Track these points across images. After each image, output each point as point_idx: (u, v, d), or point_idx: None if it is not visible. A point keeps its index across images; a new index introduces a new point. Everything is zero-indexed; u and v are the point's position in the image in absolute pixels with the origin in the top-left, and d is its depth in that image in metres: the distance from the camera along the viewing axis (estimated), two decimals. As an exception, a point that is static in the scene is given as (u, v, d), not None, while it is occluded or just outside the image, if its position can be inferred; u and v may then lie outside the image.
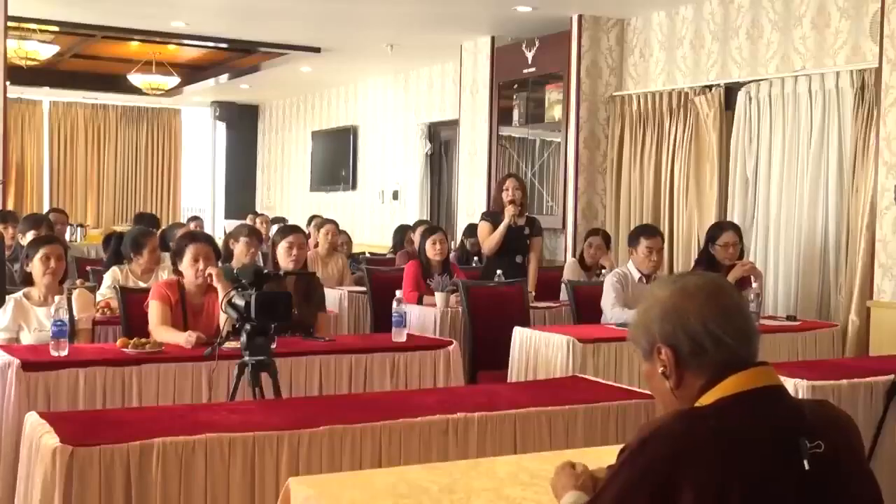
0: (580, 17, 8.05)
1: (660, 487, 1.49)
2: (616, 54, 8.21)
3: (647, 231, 5.83)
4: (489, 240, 6.69)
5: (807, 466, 1.52)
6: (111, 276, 5.63)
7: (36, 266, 4.51)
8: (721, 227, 6.02)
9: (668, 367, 1.63)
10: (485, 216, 6.94)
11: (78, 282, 5.40)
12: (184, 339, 4.18)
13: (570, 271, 6.86)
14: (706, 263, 5.80)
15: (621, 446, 1.63)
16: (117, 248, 6.08)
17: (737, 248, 5.81)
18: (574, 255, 7.61)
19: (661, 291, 1.68)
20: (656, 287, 1.72)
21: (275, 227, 6.59)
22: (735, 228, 5.97)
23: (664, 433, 1.54)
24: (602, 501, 1.58)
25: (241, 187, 15.52)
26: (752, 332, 1.64)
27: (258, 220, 10.69)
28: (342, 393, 4.19)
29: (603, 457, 2.62)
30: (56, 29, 9.51)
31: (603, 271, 6.67)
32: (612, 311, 5.53)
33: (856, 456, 1.64)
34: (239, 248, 6.00)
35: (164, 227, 9.26)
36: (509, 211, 6.61)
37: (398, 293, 4.85)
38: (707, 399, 1.59)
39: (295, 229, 5.38)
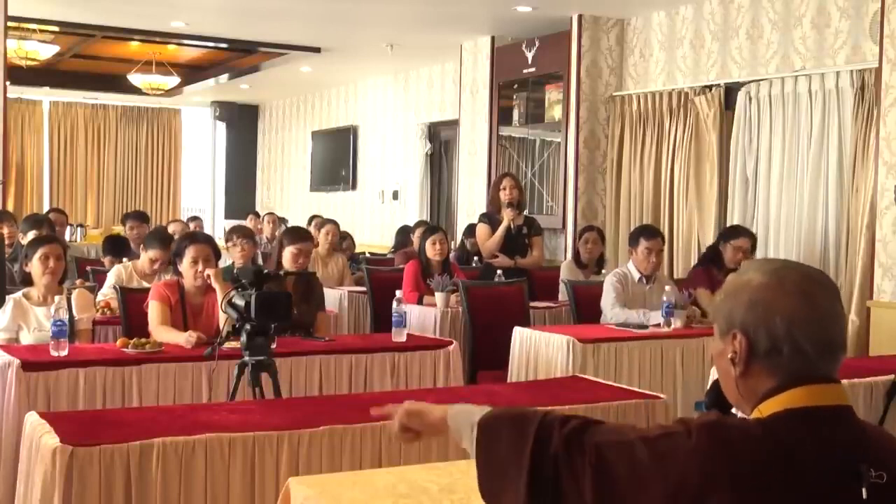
0: (580, 17, 8.04)
1: (697, 488, 1.40)
2: (616, 54, 8.21)
3: (647, 232, 5.85)
4: (489, 242, 6.68)
5: (865, 495, 1.42)
6: (115, 274, 5.61)
7: (35, 266, 4.51)
8: (738, 231, 6.06)
9: (738, 355, 1.54)
10: (482, 218, 6.93)
11: (77, 282, 5.40)
12: (184, 339, 4.18)
13: (567, 271, 6.85)
14: (710, 260, 5.84)
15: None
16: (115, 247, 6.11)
17: (747, 255, 5.81)
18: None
19: (758, 276, 1.56)
20: (754, 269, 1.59)
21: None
22: (752, 238, 5.98)
23: (717, 436, 1.45)
24: (642, 443, 1.46)
25: (241, 187, 15.52)
26: (837, 345, 1.54)
27: (266, 219, 10.63)
28: (342, 393, 4.19)
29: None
30: (56, 29, 9.50)
31: (603, 272, 6.67)
32: (611, 310, 5.54)
33: None
34: (236, 254, 6.01)
35: (159, 224, 9.27)
36: (508, 214, 6.60)
37: (398, 293, 4.86)
38: (770, 407, 1.50)
39: (306, 237, 5.36)
